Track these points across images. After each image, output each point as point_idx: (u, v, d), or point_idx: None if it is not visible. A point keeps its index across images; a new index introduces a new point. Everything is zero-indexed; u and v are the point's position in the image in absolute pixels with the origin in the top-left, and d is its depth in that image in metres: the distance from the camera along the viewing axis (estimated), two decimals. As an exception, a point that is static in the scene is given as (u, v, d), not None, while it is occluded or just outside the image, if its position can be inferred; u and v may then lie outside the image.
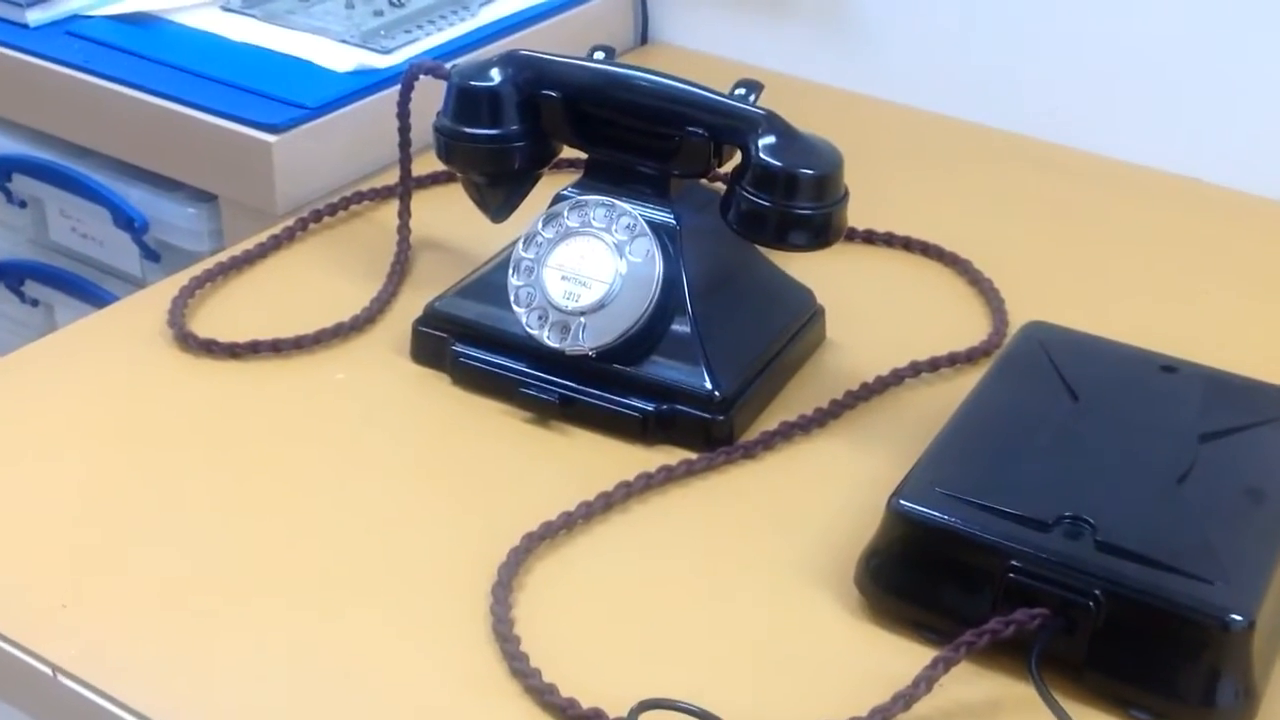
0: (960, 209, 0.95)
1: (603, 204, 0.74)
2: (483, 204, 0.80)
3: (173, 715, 0.57)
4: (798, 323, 0.78)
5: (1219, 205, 0.96)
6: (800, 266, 0.80)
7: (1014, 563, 0.58)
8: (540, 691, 0.58)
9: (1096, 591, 0.57)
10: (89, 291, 1.05)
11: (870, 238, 0.90)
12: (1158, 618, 0.57)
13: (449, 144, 0.78)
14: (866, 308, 0.83)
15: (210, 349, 0.77)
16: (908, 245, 0.90)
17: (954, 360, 0.79)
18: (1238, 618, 0.56)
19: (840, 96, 1.07)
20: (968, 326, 0.83)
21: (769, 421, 0.74)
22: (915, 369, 0.78)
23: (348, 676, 0.59)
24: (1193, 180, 0.98)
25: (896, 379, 0.77)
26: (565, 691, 0.58)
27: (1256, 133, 0.96)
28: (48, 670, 0.59)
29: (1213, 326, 0.83)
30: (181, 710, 0.57)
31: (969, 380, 0.77)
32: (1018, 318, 0.81)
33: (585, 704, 0.57)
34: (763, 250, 0.78)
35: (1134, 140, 0.99)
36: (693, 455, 0.71)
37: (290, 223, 0.88)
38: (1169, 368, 0.69)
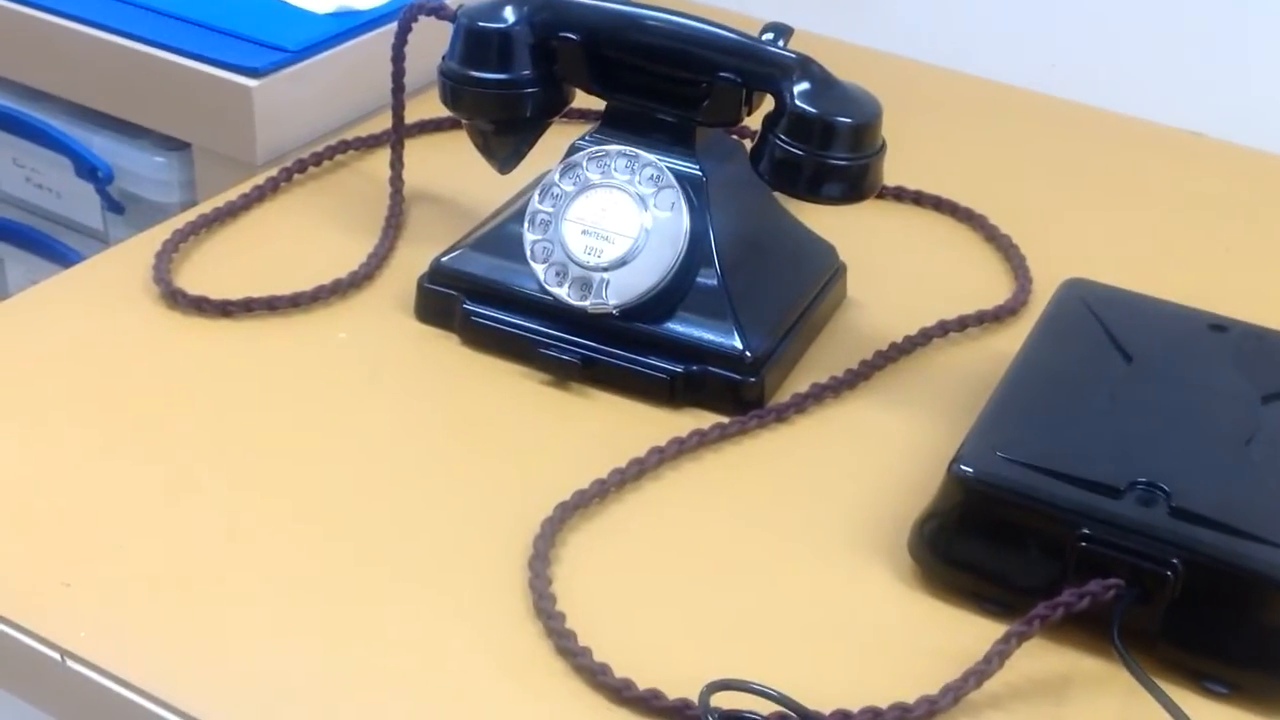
0: (970, 164, 0.92)
1: (624, 154, 0.70)
2: (489, 153, 0.76)
3: (198, 702, 0.53)
4: (822, 280, 0.75)
5: (1231, 161, 0.94)
6: (811, 222, 0.77)
7: (1085, 531, 0.56)
8: (592, 671, 0.54)
9: (1174, 560, 0.55)
10: (45, 245, 0.99)
11: (880, 192, 0.87)
12: (1238, 586, 0.54)
13: (455, 89, 0.73)
14: (884, 264, 0.80)
15: (201, 307, 0.72)
16: (919, 200, 0.87)
17: (982, 319, 0.76)
18: (1322, 586, 0.54)
19: (839, 48, 1.03)
20: (989, 284, 0.80)
21: (798, 383, 0.71)
22: (944, 328, 0.75)
23: (381, 658, 0.55)
24: (1202, 136, 0.96)
25: (925, 339, 0.74)
26: (617, 671, 0.54)
27: (1272, 89, 0.94)
28: (56, 655, 0.54)
29: (1237, 284, 0.81)
30: (206, 696, 0.53)
31: (998, 340, 0.75)
32: (1040, 274, 0.79)
33: (641, 685, 0.54)
34: (785, 204, 0.75)
35: (1143, 96, 0.97)
36: (724, 419, 0.68)
37: (274, 173, 0.83)
38: (1218, 326, 0.67)
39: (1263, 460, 0.59)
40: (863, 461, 0.67)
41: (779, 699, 0.50)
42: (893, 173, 0.86)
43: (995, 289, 0.79)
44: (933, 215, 0.86)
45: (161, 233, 0.77)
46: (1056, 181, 0.91)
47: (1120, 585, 0.55)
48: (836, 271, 0.76)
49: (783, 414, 0.69)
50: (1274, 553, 0.54)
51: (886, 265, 0.81)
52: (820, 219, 0.76)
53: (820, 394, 0.70)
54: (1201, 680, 0.56)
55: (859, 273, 0.78)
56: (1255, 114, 0.95)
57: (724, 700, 0.51)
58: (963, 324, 0.75)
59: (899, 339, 0.74)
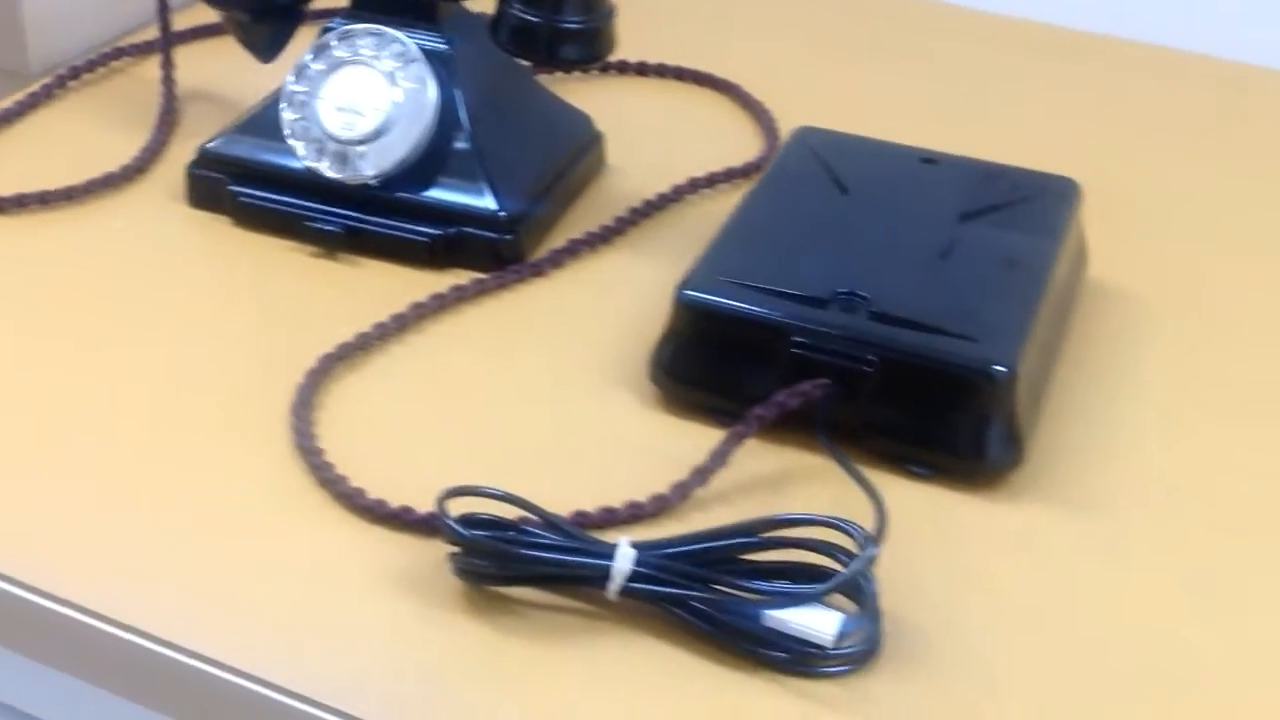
0: (724, 37, 0.97)
1: (371, 32, 0.73)
2: (249, 44, 0.79)
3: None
4: (578, 146, 0.80)
5: (966, 23, 1.01)
6: (576, 100, 0.81)
7: (796, 339, 0.61)
8: (349, 496, 0.59)
9: (871, 357, 0.60)
10: None
11: (642, 70, 0.92)
12: (928, 376, 0.60)
13: (210, -18, 0.76)
14: (643, 135, 0.85)
15: (-27, 205, 0.75)
16: (679, 75, 0.92)
17: (730, 175, 0.81)
18: (1001, 368, 0.60)
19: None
20: (742, 145, 0.85)
21: (556, 241, 0.75)
22: (694, 185, 0.80)
23: (164, 507, 0.59)
24: (952, 6, 1.02)
25: (676, 195, 0.79)
26: (373, 495, 0.59)
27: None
28: None
29: (979, 137, 0.87)
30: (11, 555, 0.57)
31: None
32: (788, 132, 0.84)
33: (393, 503, 0.58)
34: (541, 81, 0.79)
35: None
36: (484, 275, 0.72)
37: (49, 80, 0.85)
38: (929, 160, 0.73)
39: (956, 269, 0.65)
40: (615, 307, 0.72)
41: (512, 499, 0.55)
42: (653, 50, 0.91)
43: (749, 149, 0.85)
44: (691, 88, 0.91)
45: (-66, 141, 0.79)
46: (810, 50, 0.96)
47: (827, 384, 0.61)
48: (593, 139, 0.81)
49: (540, 268, 0.73)
50: (959, 344, 0.60)
51: (646, 135, 0.86)
52: (584, 97, 0.81)
53: (576, 249, 0.75)
54: (905, 464, 0.62)
55: (621, 144, 0.83)
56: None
57: (463, 508, 0.56)
58: (712, 180, 0.81)
59: (653, 197, 0.79)
